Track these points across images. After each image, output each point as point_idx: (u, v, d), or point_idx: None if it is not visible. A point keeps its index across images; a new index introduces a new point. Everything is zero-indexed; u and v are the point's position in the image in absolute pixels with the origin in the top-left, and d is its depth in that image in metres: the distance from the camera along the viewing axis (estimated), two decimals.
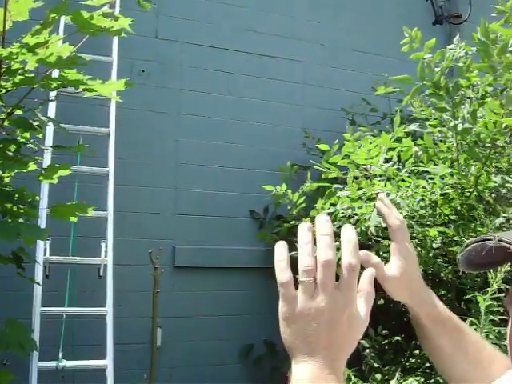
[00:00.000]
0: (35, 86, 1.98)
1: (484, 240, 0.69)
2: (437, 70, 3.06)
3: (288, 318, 0.73)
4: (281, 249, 0.76)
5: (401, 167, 3.28)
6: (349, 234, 0.75)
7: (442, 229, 3.25)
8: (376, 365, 3.73)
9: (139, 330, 3.92)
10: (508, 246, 0.64)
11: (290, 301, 0.73)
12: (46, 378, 3.25)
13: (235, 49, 4.61)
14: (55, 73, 2.40)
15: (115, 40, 3.92)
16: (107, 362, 3.21)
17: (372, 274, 0.76)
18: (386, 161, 3.26)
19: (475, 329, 2.65)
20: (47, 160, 3.22)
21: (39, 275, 3.22)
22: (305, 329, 0.72)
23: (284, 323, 0.73)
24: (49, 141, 3.40)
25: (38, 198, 2.18)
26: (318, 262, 0.73)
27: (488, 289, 2.47)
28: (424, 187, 3.20)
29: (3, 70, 1.94)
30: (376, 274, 0.87)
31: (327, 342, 0.72)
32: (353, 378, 3.49)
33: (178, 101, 4.41)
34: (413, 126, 3.72)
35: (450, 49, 3.18)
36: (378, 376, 3.63)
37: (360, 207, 3.25)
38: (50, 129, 3.41)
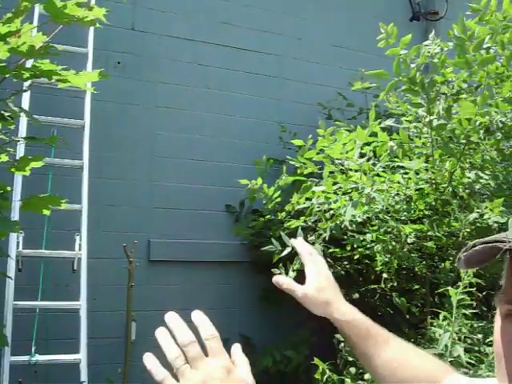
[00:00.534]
0: (7, 75, 1.94)
1: (496, 242, 0.66)
2: (412, 66, 3.08)
3: None
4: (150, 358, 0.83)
5: (376, 162, 3.29)
6: (196, 314, 0.86)
7: (416, 226, 3.28)
8: (350, 358, 3.75)
9: (113, 324, 3.89)
10: None
11: None
12: (18, 372, 3.21)
13: (212, 42, 4.58)
14: (29, 63, 2.37)
15: (91, 31, 3.88)
16: (81, 357, 3.18)
17: (239, 347, 0.85)
18: (362, 156, 3.27)
19: (447, 323, 2.68)
20: (20, 152, 3.16)
21: (12, 269, 3.17)
22: None
23: None
24: (22, 132, 3.36)
25: (9, 188, 2.14)
26: (180, 345, 0.80)
27: (460, 283, 2.50)
28: (399, 182, 3.22)
29: None
30: (293, 294, 1.17)
31: None
32: (327, 371, 3.51)
33: (155, 93, 4.38)
34: (389, 122, 3.74)
35: (426, 45, 3.20)
36: (353, 369, 3.65)
37: (335, 201, 3.26)
38: (23, 120, 3.37)
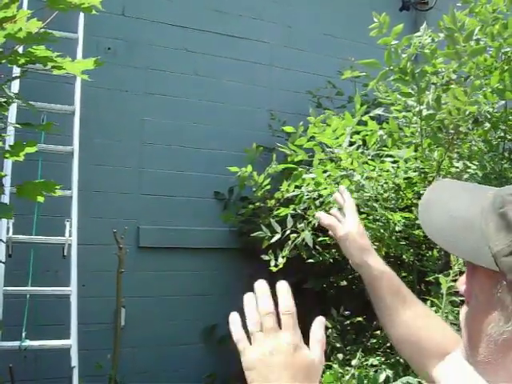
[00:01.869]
0: (2, 61, 1.94)
1: None
2: (403, 56, 3.10)
3: (247, 367, 0.80)
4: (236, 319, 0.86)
5: (365, 151, 3.32)
6: (281, 285, 0.90)
7: (405, 214, 3.32)
8: (338, 345, 3.81)
9: (103, 310, 3.91)
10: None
11: (245, 353, 0.81)
12: (8, 358, 3.22)
13: (202, 28, 4.57)
14: (21, 50, 2.35)
15: (81, 17, 3.86)
16: (71, 342, 3.20)
17: (322, 322, 0.87)
18: (351, 144, 3.30)
19: (435, 310, 2.73)
20: (11, 138, 3.16)
21: (2, 254, 3.17)
22: (264, 373, 0.78)
23: (246, 372, 0.80)
24: (12, 119, 3.34)
25: (3, 173, 2.14)
26: (260, 313, 0.85)
27: (450, 271, 2.55)
28: (388, 170, 3.25)
29: None
30: (334, 231, 1.19)
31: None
32: None
33: (144, 80, 4.37)
34: (378, 111, 3.77)
35: (417, 36, 3.22)
36: (340, 356, 3.71)
37: (325, 189, 3.29)
38: (13, 106, 3.34)
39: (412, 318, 1.12)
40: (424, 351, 1.07)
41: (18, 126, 2.34)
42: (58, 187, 2.18)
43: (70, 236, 3.40)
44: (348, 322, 3.83)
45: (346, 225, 1.20)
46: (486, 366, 0.68)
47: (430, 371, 1.04)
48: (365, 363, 3.44)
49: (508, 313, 0.65)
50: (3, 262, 3.05)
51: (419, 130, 3.22)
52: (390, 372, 3.05)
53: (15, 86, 3.43)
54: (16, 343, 3.12)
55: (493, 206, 0.68)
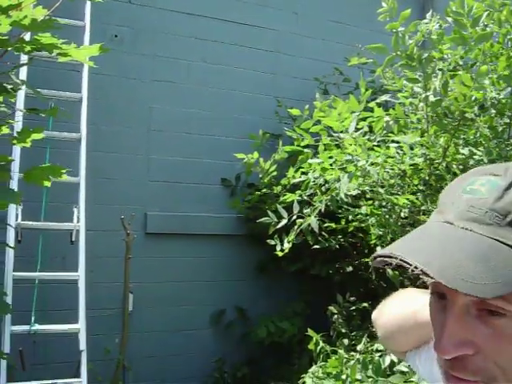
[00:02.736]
0: (9, 48, 1.96)
1: (386, 257, 0.66)
2: (410, 41, 3.09)
3: None
4: None
5: (372, 138, 3.33)
6: None
7: (410, 196, 3.32)
8: (344, 330, 3.84)
9: (111, 296, 3.95)
10: (408, 266, 0.62)
11: None
12: (18, 343, 3.27)
13: (209, 15, 4.57)
14: (28, 36, 2.37)
15: (88, 4, 3.86)
16: (79, 326, 3.24)
17: None
18: (357, 130, 3.30)
19: None
20: (19, 125, 3.18)
21: (11, 240, 3.21)
22: None
23: None
24: (20, 106, 3.36)
25: (10, 158, 2.17)
26: None
27: None
28: (393, 157, 3.25)
29: None
30: None
31: None
32: (321, 342, 3.59)
33: (152, 67, 4.38)
34: (384, 97, 3.77)
35: (426, 23, 3.21)
36: (346, 341, 3.74)
37: (331, 174, 3.30)
38: (21, 94, 3.37)
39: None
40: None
41: (23, 111, 2.35)
42: (64, 171, 2.20)
43: (77, 222, 3.43)
44: (354, 307, 3.85)
45: None
46: None
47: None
48: (370, 348, 3.47)
49: None
50: (12, 248, 3.08)
51: (425, 116, 3.22)
52: (394, 357, 3.07)
53: (23, 74, 3.46)
54: (25, 327, 3.17)
55: (496, 224, 0.63)
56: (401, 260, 0.63)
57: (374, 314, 1.11)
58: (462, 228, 0.65)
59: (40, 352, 3.69)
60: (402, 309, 0.99)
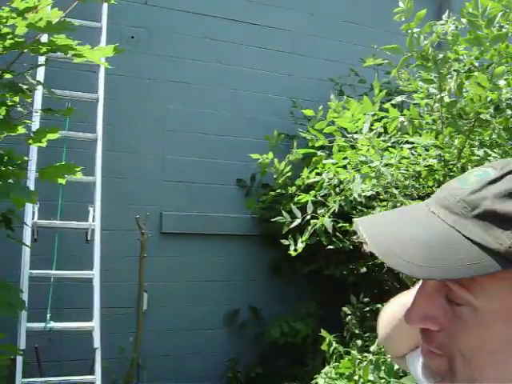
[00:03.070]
0: (25, 50, 1.99)
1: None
2: (425, 42, 3.09)
3: None
4: None
5: (386, 139, 3.32)
6: None
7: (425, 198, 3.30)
8: (357, 331, 3.83)
9: (126, 295, 3.98)
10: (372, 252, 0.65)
11: None
12: (34, 340, 3.32)
13: (224, 17, 4.59)
14: (44, 38, 2.41)
15: (105, 6, 3.90)
16: (94, 324, 3.27)
17: None
18: (372, 131, 3.30)
19: None
20: (36, 125, 3.22)
21: (28, 239, 3.26)
22: None
23: None
24: (37, 106, 3.41)
25: (26, 158, 2.20)
26: None
27: None
28: (408, 158, 3.25)
29: None
30: None
31: None
32: (334, 343, 3.59)
33: (166, 68, 4.41)
34: (400, 98, 3.76)
35: (442, 24, 3.20)
36: (359, 342, 3.74)
37: (345, 176, 3.30)
38: (38, 94, 3.42)
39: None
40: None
41: (39, 111, 2.39)
42: (78, 169, 2.23)
43: (93, 221, 3.46)
44: (367, 308, 3.84)
45: None
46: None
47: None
48: (383, 350, 3.46)
49: None
50: (28, 246, 3.12)
51: (441, 117, 3.21)
52: None
53: (40, 75, 3.50)
54: (41, 325, 3.21)
55: (463, 214, 0.65)
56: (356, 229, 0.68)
57: (379, 317, 1.11)
58: (431, 212, 0.67)
59: (55, 349, 3.74)
60: (398, 309, 0.99)
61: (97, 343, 3.23)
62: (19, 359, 3.01)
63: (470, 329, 0.65)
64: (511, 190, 0.62)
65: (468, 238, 0.63)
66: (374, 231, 0.68)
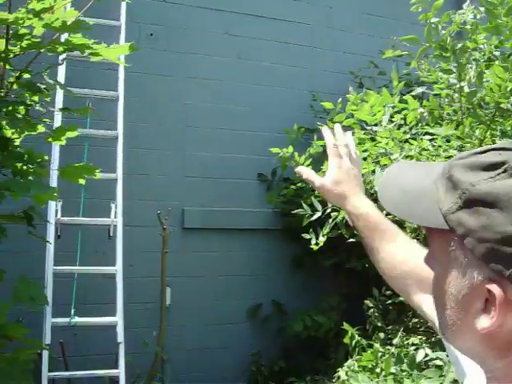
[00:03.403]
0: (42, 50, 2.03)
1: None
2: (443, 32, 3.06)
3: None
4: None
5: (407, 130, 3.30)
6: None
7: None
8: (380, 324, 3.83)
9: (150, 290, 4.02)
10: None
11: None
12: (60, 335, 3.38)
13: (243, 12, 4.60)
14: (64, 37, 2.44)
15: (123, 4, 3.93)
16: (117, 319, 3.32)
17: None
18: (392, 123, 3.28)
19: None
20: (57, 123, 3.27)
21: (51, 235, 3.31)
22: None
23: None
24: (59, 104, 3.45)
25: (46, 157, 2.24)
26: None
27: None
28: (427, 149, 3.22)
29: (10, 34, 1.99)
30: (312, 184, 1.27)
31: None
32: (356, 336, 3.59)
33: (186, 64, 4.43)
34: (420, 89, 3.73)
35: (461, 13, 3.17)
36: (382, 335, 3.73)
37: (364, 168, 3.29)
38: (60, 93, 3.46)
39: (391, 254, 1.14)
40: (409, 287, 1.09)
41: (56, 110, 2.43)
42: (98, 170, 2.26)
43: (115, 217, 3.51)
44: (390, 301, 3.83)
45: (326, 175, 1.25)
46: (453, 328, 0.71)
47: (421, 306, 1.07)
48: (406, 342, 3.46)
49: (462, 268, 0.68)
50: (49, 242, 3.18)
51: (461, 107, 3.18)
52: (429, 350, 3.05)
53: (61, 74, 3.55)
54: (65, 319, 3.27)
55: (442, 173, 0.72)
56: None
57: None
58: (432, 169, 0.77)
59: (81, 344, 3.80)
60: None
61: (120, 338, 3.28)
62: (45, 354, 3.07)
63: (435, 277, 0.74)
64: (476, 162, 0.68)
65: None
66: (393, 171, 0.86)
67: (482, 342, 0.69)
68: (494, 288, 0.65)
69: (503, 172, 0.66)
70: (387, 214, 1.09)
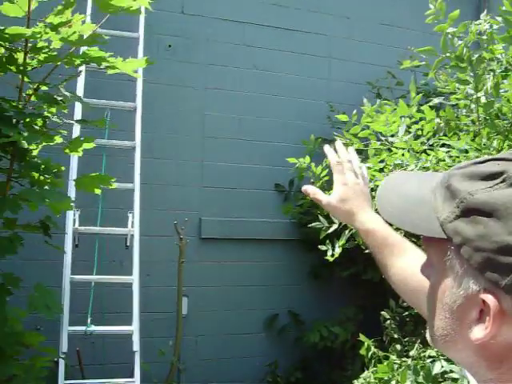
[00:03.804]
0: (58, 63, 2.07)
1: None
2: (460, 42, 3.05)
3: None
4: None
5: (425, 141, 3.29)
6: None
7: None
8: (396, 336, 3.80)
9: (167, 299, 4.04)
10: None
11: None
12: (78, 344, 3.42)
13: (260, 23, 4.62)
14: (82, 49, 2.49)
15: (141, 17, 3.98)
16: (133, 328, 3.34)
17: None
18: (409, 134, 3.27)
19: None
20: (76, 133, 3.32)
21: (68, 244, 3.35)
22: None
23: None
24: (77, 115, 3.50)
25: (63, 168, 2.28)
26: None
27: None
28: (444, 160, 3.21)
29: (29, 48, 2.03)
30: (319, 203, 1.28)
31: None
32: (373, 348, 3.57)
33: (204, 75, 4.47)
34: (437, 100, 3.72)
35: (477, 24, 3.16)
36: (398, 347, 3.70)
37: (380, 180, 3.28)
38: (78, 104, 3.51)
39: (402, 269, 1.13)
40: (421, 301, 1.08)
41: (73, 122, 2.47)
42: (113, 180, 2.29)
43: (132, 227, 3.54)
44: (406, 313, 3.80)
45: (332, 193, 1.26)
46: (446, 338, 0.71)
47: None
48: (422, 355, 3.42)
49: (458, 277, 0.68)
50: (65, 252, 3.21)
51: (478, 117, 3.16)
52: (445, 363, 3.02)
53: (80, 85, 3.61)
54: (82, 328, 3.30)
55: (441, 182, 0.72)
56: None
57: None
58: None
59: (98, 352, 3.83)
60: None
61: (136, 347, 3.30)
62: (61, 362, 3.10)
63: (430, 286, 0.75)
64: (475, 172, 0.69)
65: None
66: (392, 181, 0.87)
67: (475, 353, 0.69)
68: (489, 299, 0.65)
69: (501, 182, 0.66)
70: (397, 229, 1.09)
